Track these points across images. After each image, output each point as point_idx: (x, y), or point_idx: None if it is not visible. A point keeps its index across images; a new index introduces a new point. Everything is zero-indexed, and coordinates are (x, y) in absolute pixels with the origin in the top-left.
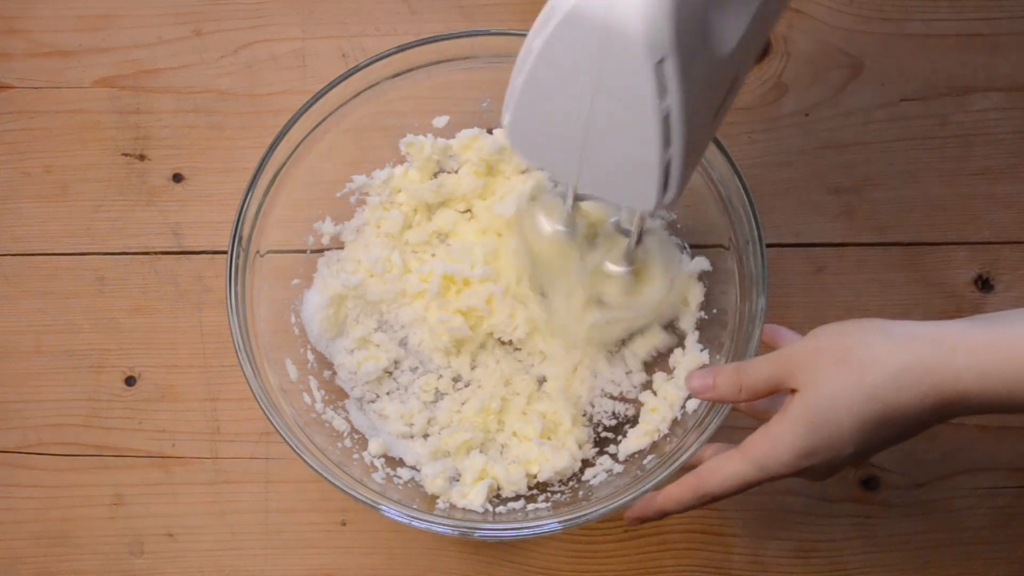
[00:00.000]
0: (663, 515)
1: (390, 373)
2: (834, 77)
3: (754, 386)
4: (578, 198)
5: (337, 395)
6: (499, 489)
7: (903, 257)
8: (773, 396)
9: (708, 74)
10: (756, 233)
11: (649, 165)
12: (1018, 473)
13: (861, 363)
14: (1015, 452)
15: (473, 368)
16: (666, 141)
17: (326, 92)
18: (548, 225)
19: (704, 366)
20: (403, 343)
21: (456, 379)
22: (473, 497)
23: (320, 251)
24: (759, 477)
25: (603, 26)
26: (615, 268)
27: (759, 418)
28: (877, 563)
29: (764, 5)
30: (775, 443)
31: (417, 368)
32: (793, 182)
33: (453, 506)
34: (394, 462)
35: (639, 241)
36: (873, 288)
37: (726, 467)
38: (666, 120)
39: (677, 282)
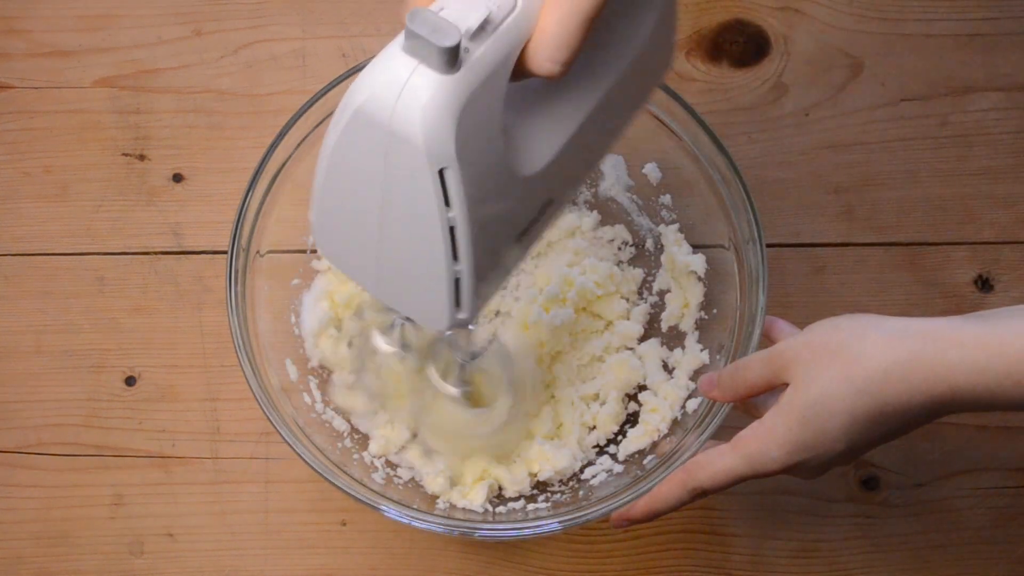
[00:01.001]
0: (653, 515)
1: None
2: (834, 77)
3: (750, 382)
4: (405, 318)
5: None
6: (500, 489)
7: (903, 257)
8: (771, 393)
9: (506, 192)
10: (756, 233)
11: (438, 279)
12: (1018, 473)
13: (852, 357)
14: (1015, 452)
15: None
16: (453, 254)
17: (326, 92)
18: (384, 345)
19: (703, 366)
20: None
21: None
22: (473, 497)
23: (316, 251)
24: (749, 472)
25: (386, 128)
26: (450, 389)
27: (755, 416)
28: (877, 563)
29: (582, 134)
30: (766, 438)
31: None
32: (793, 182)
33: (453, 506)
34: (394, 462)
35: (473, 358)
36: (873, 288)
37: (716, 461)
38: (451, 232)
39: (529, 393)
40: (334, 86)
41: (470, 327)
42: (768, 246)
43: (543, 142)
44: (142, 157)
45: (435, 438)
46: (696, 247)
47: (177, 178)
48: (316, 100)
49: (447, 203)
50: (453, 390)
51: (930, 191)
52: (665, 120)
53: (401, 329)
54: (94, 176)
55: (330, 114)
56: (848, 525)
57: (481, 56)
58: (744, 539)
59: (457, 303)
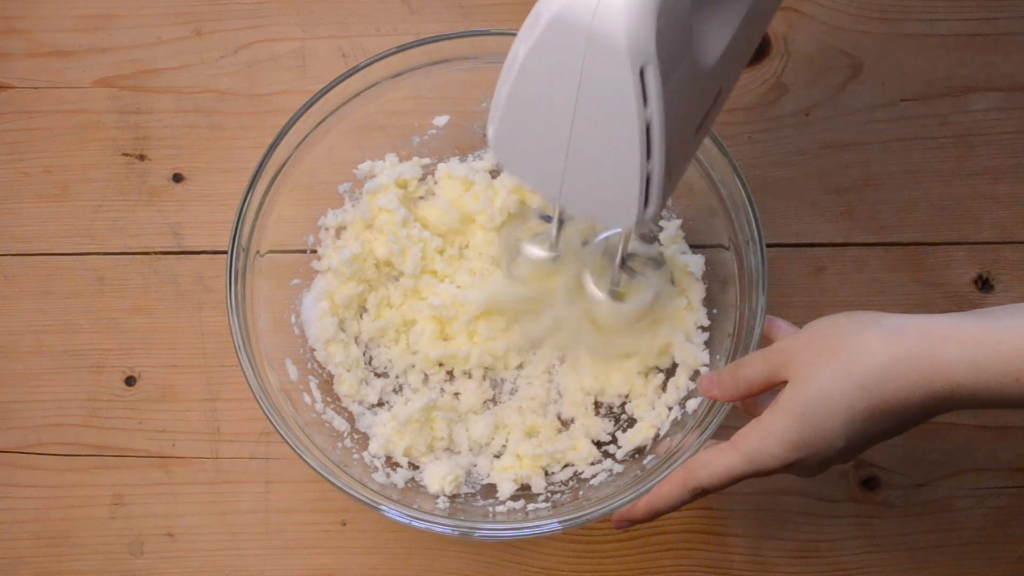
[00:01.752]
0: (654, 515)
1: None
2: (834, 77)
3: (749, 380)
4: (563, 222)
5: (337, 396)
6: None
7: (903, 257)
8: (771, 391)
9: (691, 85)
10: (756, 233)
11: (630, 177)
12: (1018, 473)
13: (851, 354)
14: (1015, 452)
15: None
16: (647, 152)
17: (326, 92)
18: (534, 252)
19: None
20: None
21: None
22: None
23: (316, 251)
24: (749, 470)
25: (586, 31)
26: (597, 292)
27: (756, 415)
28: (877, 563)
29: (749, 17)
30: (765, 435)
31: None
32: (793, 182)
33: (454, 505)
34: (394, 462)
35: (623, 264)
36: (873, 288)
37: (716, 460)
38: (647, 130)
39: (665, 302)
40: (334, 86)
41: (652, 226)
42: (768, 246)
43: (717, 32)
44: (142, 157)
45: (584, 339)
46: (696, 247)
47: (177, 178)
48: (316, 100)
49: (645, 101)
50: (602, 295)
51: (930, 191)
52: None
53: (555, 238)
54: (94, 176)
55: (330, 114)
56: (848, 525)
57: None
58: (744, 539)
59: (646, 200)
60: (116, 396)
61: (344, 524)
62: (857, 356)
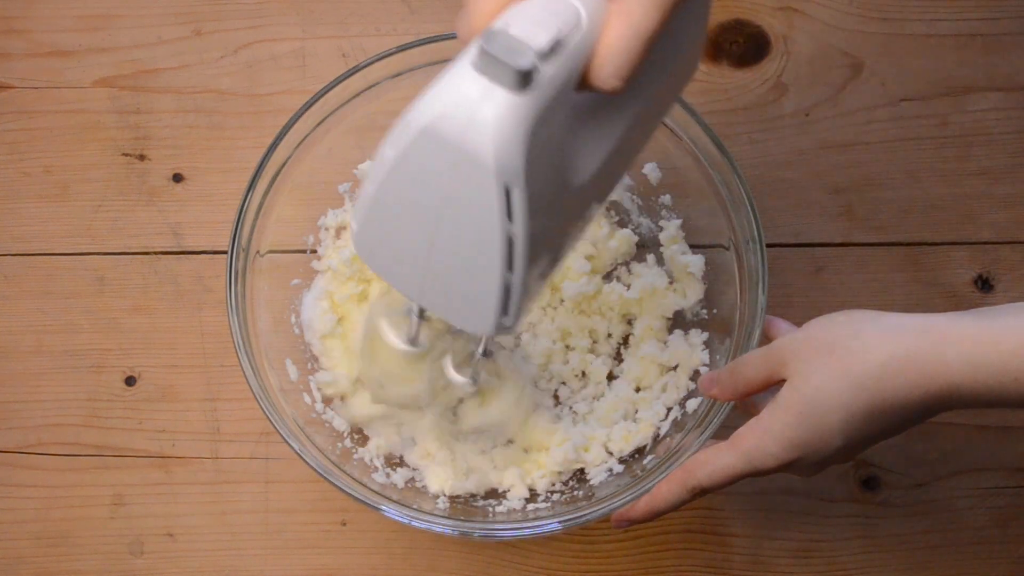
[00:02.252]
0: (653, 515)
1: None
2: (834, 77)
3: (749, 379)
4: (421, 316)
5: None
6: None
7: (903, 257)
8: (770, 391)
9: (559, 203)
10: (756, 233)
11: (490, 287)
12: (1018, 473)
13: (849, 353)
14: (1015, 452)
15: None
16: (508, 264)
17: (326, 92)
18: (395, 341)
19: (703, 365)
20: None
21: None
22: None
23: (316, 251)
24: (748, 469)
25: (456, 147)
26: (459, 379)
27: (755, 414)
28: (877, 563)
29: (623, 142)
30: (764, 434)
31: None
32: (793, 182)
33: (454, 505)
34: (394, 462)
35: (485, 355)
36: (873, 288)
37: (714, 459)
38: (510, 244)
39: (526, 396)
40: (334, 86)
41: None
42: (768, 246)
43: (591, 152)
44: (142, 157)
45: (437, 429)
46: (696, 247)
47: (177, 178)
48: (316, 100)
49: (510, 218)
50: (463, 379)
51: (930, 191)
52: (665, 120)
53: (418, 326)
54: (94, 176)
55: (330, 114)
56: (848, 525)
57: (550, 75)
58: (744, 539)
59: (505, 310)
60: (116, 396)
61: (344, 524)
62: (855, 355)
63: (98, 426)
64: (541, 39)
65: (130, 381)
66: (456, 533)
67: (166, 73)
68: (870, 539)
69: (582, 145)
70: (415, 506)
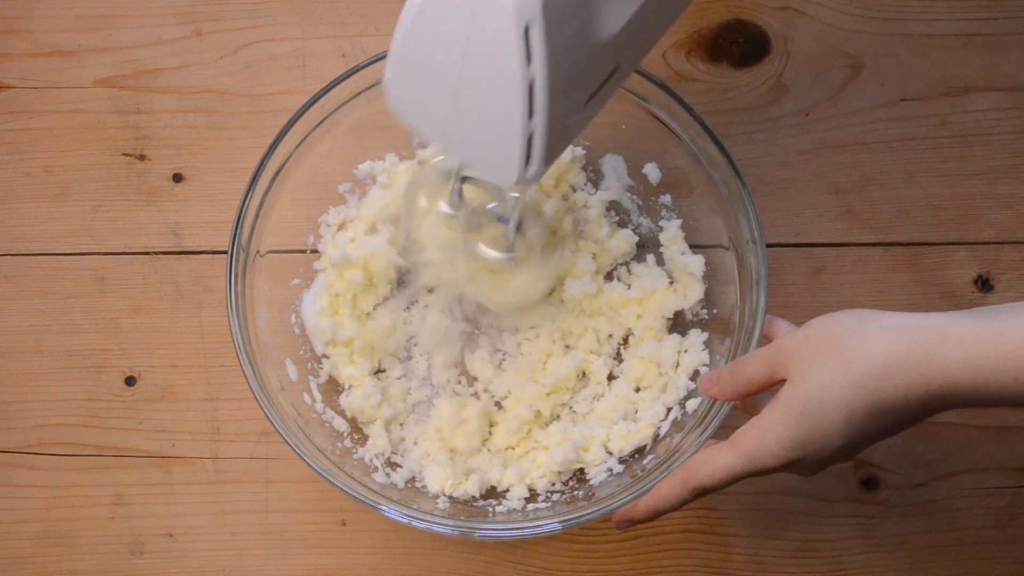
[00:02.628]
0: (654, 515)
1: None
2: (834, 77)
3: (749, 378)
4: (463, 180)
5: (337, 394)
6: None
7: (903, 257)
8: (771, 391)
9: (582, 53)
10: (756, 233)
11: (512, 134)
12: (1018, 473)
13: (850, 352)
14: (1015, 452)
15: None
16: (529, 110)
17: (326, 92)
18: (434, 205)
19: (703, 365)
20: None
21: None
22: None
23: (316, 251)
24: (748, 469)
25: None
26: (490, 253)
27: (755, 414)
28: (877, 563)
29: (651, 2)
30: (764, 434)
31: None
32: (793, 182)
33: (454, 505)
34: (394, 463)
35: (518, 230)
36: (873, 288)
37: (715, 459)
38: (530, 89)
39: (556, 270)
40: (334, 86)
41: (532, 186)
42: (768, 246)
43: (618, 7)
44: (142, 157)
45: (484, 294)
46: (696, 247)
47: (177, 178)
48: (316, 100)
49: (528, 59)
50: (497, 254)
51: (930, 191)
52: (665, 120)
53: (457, 195)
54: (94, 176)
55: (330, 114)
56: (848, 525)
57: None
58: (744, 539)
59: (528, 159)
60: (116, 396)
61: (344, 524)
62: (856, 354)
63: (98, 426)
64: None
65: (130, 381)
66: (456, 533)
67: (166, 73)
68: (870, 539)
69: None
70: (415, 506)
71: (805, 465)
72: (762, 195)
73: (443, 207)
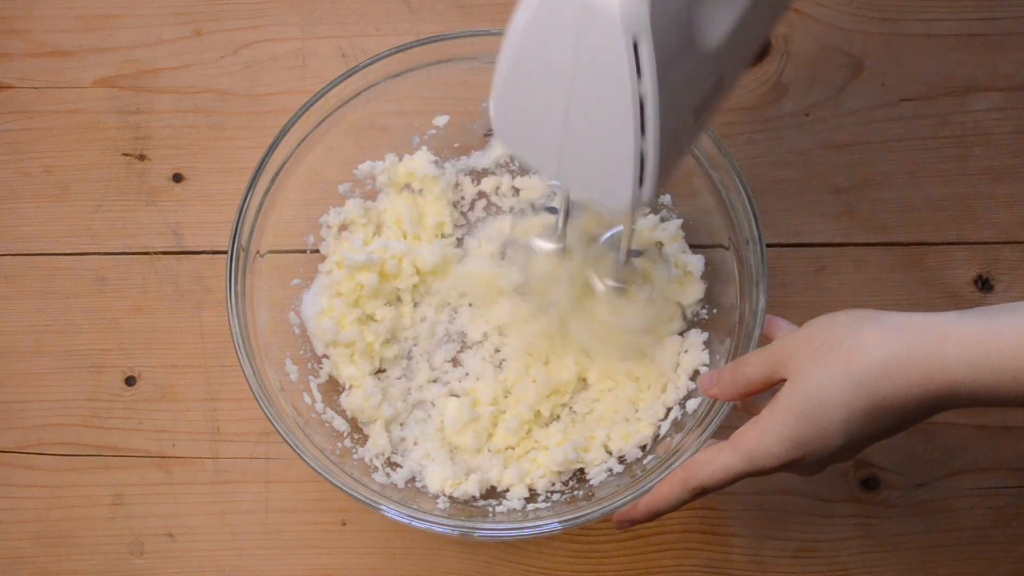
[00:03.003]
0: (654, 515)
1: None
2: (834, 77)
3: (749, 378)
4: (568, 213)
5: (337, 394)
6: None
7: (903, 257)
8: (770, 391)
9: (689, 65)
10: (756, 233)
11: (624, 155)
12: (1018, 473)
13: (850, 352)
14: (1015, 452)
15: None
16: (641, 128)
17: (326, 92)
18: (540, 243)
19: (703, 365)
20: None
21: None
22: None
23: (319, 251)
24: (748, 469)
25: (582, 2)
26: (600, 284)
27: (755, 414)
28: (877, 563)
29: (755, 6)
30: (764, 434)
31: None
32: (793, 182)
33: (454, 505)
34: (394, 463)
35: (627, 259)
36: (873, 288)
37: (715, 459)
38: (641, 105)
39: (665, 301)
40: (334, 86)
41: (647, 208)
42: (768, 246)
43: (722, 15)
44: (142, 157)
45: (585, 333)
46: (696, 247)
47: (177, 178)
48: (316, 100)
49: (639, 74)
50: (610, 286)
51: (930, 191)
52: None
53: (561, 230)
54: (94, 176)
55: (330, 114)
56: (848, 525)
57: None
58: (744, 539)
59: (641, 180)
60: (116, 396)
61: (344, 524)
62: (856, 354)
63: (98, 426)
64: None
65: (130, 381)
66: (456, 533)
67: (166, 73)
68: (870, 539)
69: (712, 7)
70: (415, 506)
71: (805, 465)
72: (762, 195)
73: (548, 245)
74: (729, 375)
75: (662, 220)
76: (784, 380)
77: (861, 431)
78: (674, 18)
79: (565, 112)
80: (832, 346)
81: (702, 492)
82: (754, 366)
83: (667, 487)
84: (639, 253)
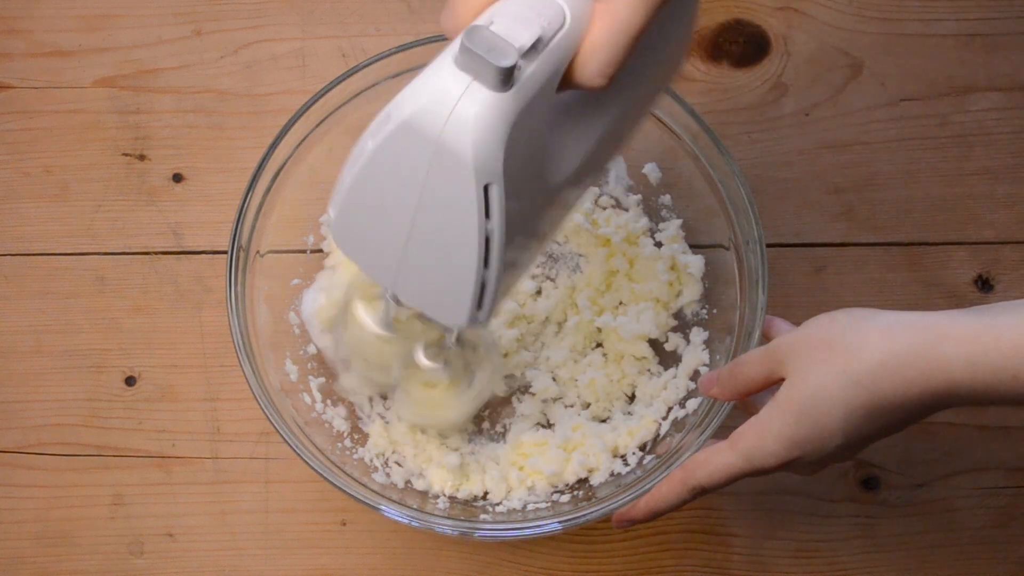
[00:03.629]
0: (654, 515)
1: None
2: (834, 77)
3: (748, 378)
4: (396, 299)
5: (337, 395)
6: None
7: (903, 257)
8: (769, 390)
9: (536, 199)
10: (756, 233)
11: (466, 282)
12: (1018, 473)
13: (848, 350)
14: (1015, 452)
15: None
16: (485, 261)
17: (326, 92)
18: (369, 323)
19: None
20: None
21: None
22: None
23: (319, 251)
24: (747, 468)
25: (435, 142)
26: (428, 364)
27: (754, 413)
28: (877, 563)
29: (604, 139)
30: (763, 433)
31: None
32: (793, 182)
33: (454, 505)
34: (394, 462)
35: (457, 343)
36: (873, 288)
37: (714, 459)
38: (487, 241)
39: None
40: (334, 86)
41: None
42: (768, 246)
43: (571, 150)
44: (142, 157)
45: (408, 409)
46: (696, 247)
47: (177, 178)
48: (316, 100)
49: (487, 215)
50: (433, 365)
51: (930, 191)
52: (665, 120)
53: (391, 311)
54: (94, 176)
55: (330, 114)
56: (848, 525)
57: (532, 74)
58: (744, 539)
59: (479, 304)
60: (116, 396)
61: (344, 524)
62: (855, 353)
63: (98, 426)
64: (524, 37)
65: (130, 381)
66: (456, 533)
67: (166, 73)
68: (870, 539)
69: (563, 142)
70: (415, 506)
71: (804, 464)
72: (762, 195)
73: (375, 327)
74: (728, 375)
75: (662, 220)
76: (783, 379)
77: (860, 430)
78: (525, 162)
79: (407, 236)
80: (831, 345)
81: (701, 492)
82: (753, 365)
83: (667, 487)
84: (460, 338)
